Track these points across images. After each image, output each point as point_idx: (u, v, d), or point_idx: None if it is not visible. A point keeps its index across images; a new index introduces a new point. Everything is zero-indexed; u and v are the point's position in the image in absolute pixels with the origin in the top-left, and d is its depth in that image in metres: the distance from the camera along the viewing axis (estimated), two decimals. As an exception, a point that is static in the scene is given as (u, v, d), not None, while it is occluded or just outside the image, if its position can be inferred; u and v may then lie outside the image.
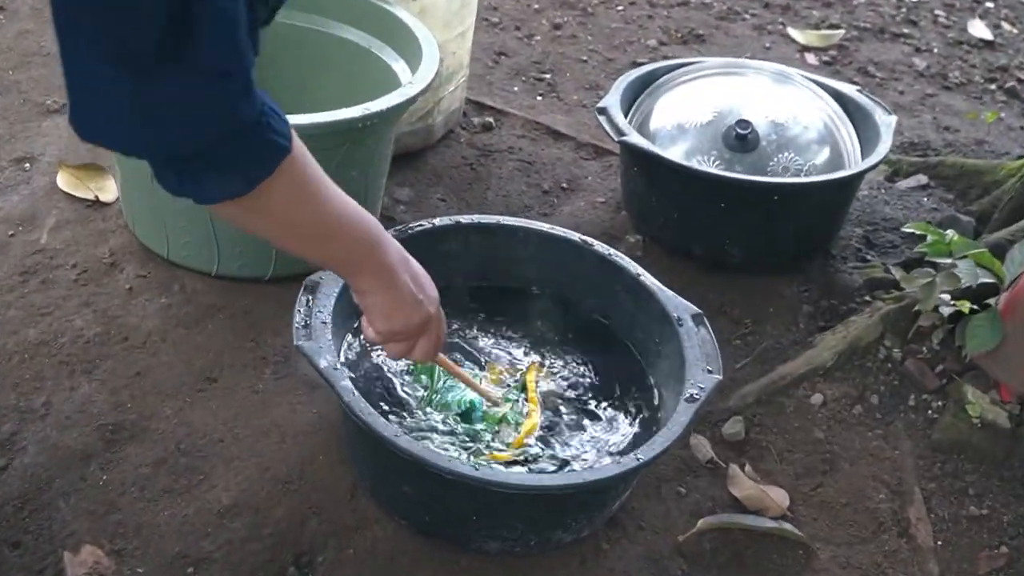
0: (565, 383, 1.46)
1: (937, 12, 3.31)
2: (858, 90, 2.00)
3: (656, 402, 1.41)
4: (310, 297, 1.28)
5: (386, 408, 1.35)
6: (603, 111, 1.85)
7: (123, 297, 1.63)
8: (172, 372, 1.50)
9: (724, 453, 1.51)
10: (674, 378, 1.35)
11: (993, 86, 2.87)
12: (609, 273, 1.51)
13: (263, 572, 1.25)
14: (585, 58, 2.69)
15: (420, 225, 1.47)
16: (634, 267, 1.49)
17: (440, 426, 1.35)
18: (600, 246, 1.53)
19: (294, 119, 0.94)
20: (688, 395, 1.27)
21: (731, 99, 1.90)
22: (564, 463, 1.32)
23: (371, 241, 1.00)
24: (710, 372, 1.31)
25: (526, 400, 1.41)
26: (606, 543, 1.34)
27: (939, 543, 1.42)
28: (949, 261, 1.57)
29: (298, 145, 0.86)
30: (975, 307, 1.54)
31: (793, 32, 3.01)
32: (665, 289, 1.45)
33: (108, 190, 1.84)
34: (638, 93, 1.99)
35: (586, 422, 1.40)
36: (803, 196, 1.81)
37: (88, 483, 1.33)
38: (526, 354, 1.50)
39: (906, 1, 3.36)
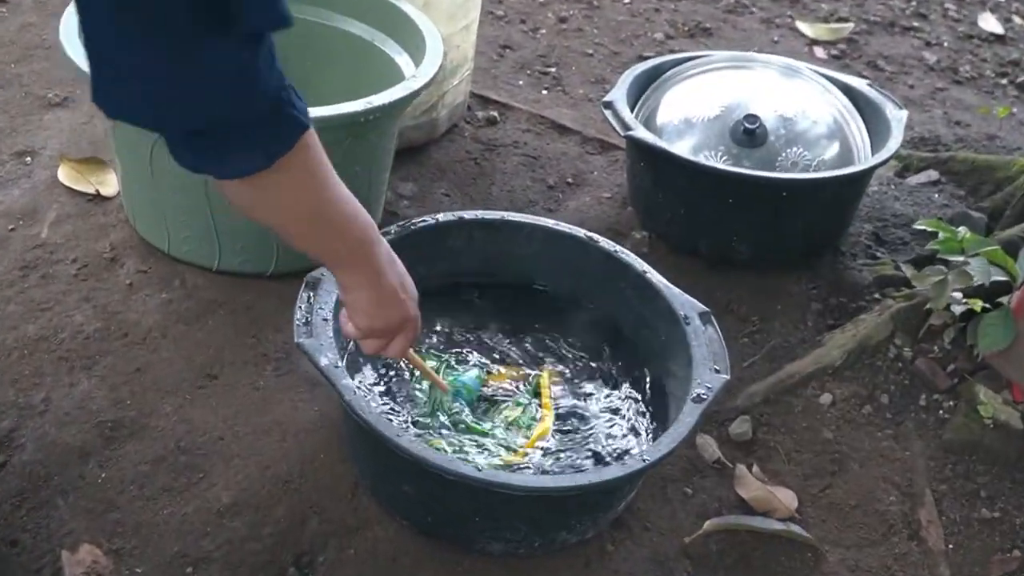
0: (568, 382, 1.45)
1: (947, 5, 3.28)
2: (869, 84, 1.97)
3: (662, 401, 1.39)
4: (311, 294, 1.27)
5: (394, 408, 1.34)
6: (609, 105, 1.83)
7: (123, 292, 1.61)
8: (172, 368, 1.49)
9: (731, 453, 1.49)
10: (680, 377, 1.33)
11: (1004, 80, 2.85)
12: (615, 270, 1.49)
13: (263, 572, 1.24)
14: (591, 51, 2.67)
15: (423, 221, 1.45)
16: (640, 264, 1.47)
17: (448, 425, 1.33)
18: (606, 242, 1.51)
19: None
20: (695, 395, 1.25)
21: (739, 93, 1.87)
22: (569, 464, 1.30)
23: (365, 238, 1.00)
24: (717, 371, 1.29)
25: (539, 405, 1.39)
26: (611, 544, 1.33)
27: (950, 546, 1.40)
28: (961, 258, 1.55)
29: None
30: (987, 305, 1.52)
31: (802, 25, 2.99)
32: (672, 286, 1.43)
33: (109, 184, 1.82)
34: (644, 87, 1.97)
35: (590, 421, 1.38)
36: (812, 192, 1.79)
37: (87, 481, 1.32)
38: (529, 352, 1.49)
39: (916, -6, 3.34)
